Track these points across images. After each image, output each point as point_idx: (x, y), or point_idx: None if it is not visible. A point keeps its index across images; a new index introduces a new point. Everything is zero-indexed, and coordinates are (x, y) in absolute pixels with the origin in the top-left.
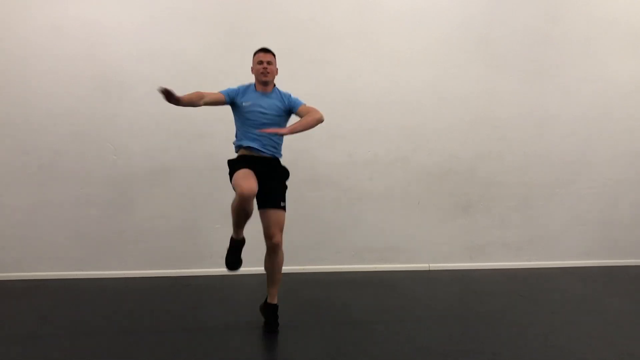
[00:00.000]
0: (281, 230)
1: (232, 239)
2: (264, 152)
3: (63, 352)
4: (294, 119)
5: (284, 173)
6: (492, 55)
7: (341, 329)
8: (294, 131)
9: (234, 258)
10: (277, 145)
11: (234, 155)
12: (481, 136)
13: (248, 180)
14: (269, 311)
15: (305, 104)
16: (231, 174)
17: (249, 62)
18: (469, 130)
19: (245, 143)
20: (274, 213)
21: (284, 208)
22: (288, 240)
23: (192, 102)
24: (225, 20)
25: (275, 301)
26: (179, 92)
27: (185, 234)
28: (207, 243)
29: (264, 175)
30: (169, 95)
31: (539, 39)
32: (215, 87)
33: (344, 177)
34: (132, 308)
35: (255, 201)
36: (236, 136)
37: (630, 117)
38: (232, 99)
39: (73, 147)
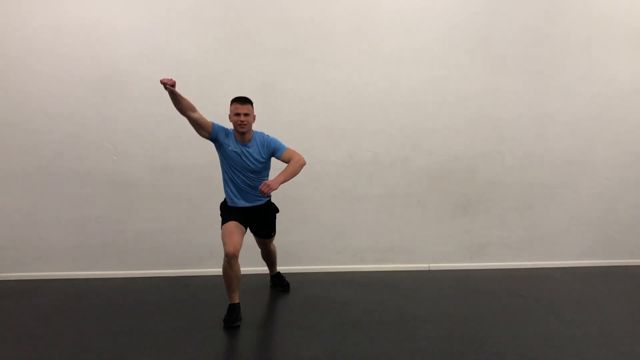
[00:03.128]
0: (272, 242)
1: (229, 305)
2: (252, 204)
3: (63, 352)
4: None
5: (273, 210)
6: (492, 55)
7: (341, 329)
8: (283, 182)
9: (230, 318)
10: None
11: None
12: (481, 136)
13: (232, 237)
14: (278, 278)
15: (287, 149)
16: (222, 218)
17: (249, 62)
18: (469, 130)
19: (233, 202)
20: (267, 241)
21: (274, 235)
22: (288, 240)
23: (183, 105)
24: (225, 20)
25: (276, 271)
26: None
27: (185, 234)
28: (206, 243)
29: (254, 217)
30: (171, 86)
31: (539, 39)
32: (215, 87)
33: (344, 177)
34: (132, 308)
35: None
36: (223, 180)
37: (630, 117)
38: (216, 135)
39: (73, 147)
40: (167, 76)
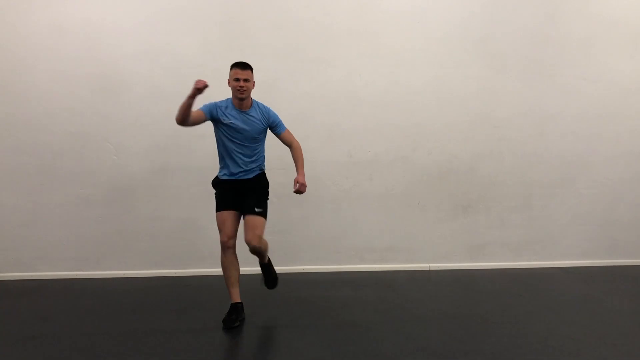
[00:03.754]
0: (259, 235)
1: (231, 305)
2: (245, 177)
3: (63, 352)
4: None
5: (264, 183)
6: (492, 55)
7: (341, 329)
8: (304, 174)
9: (229, 318)
10: (257, 165)
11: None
12: (481, 136)
13: (226, 226)
14: (265, 268)
15: (287, 129)
16: (216, 200)
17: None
18: (469, 130)
19: (227, 175)
20: (249, 219)
21: (259, 214)
22: (288, 240)
23: (188, 116)
24: (225, 20)
25: (267, 260)
26: (178, 93)
27: (185, 234)
28: (207, 243)
29: (245, 190)
30: (199, 91)
31: (539, 39)
32: (215, 87)
33: (344, 177)
34: (132, 308)
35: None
36: (220, 155)
37: (630, 117)
38: (212, 115)
39: (73, 147)
40: (166, 76)
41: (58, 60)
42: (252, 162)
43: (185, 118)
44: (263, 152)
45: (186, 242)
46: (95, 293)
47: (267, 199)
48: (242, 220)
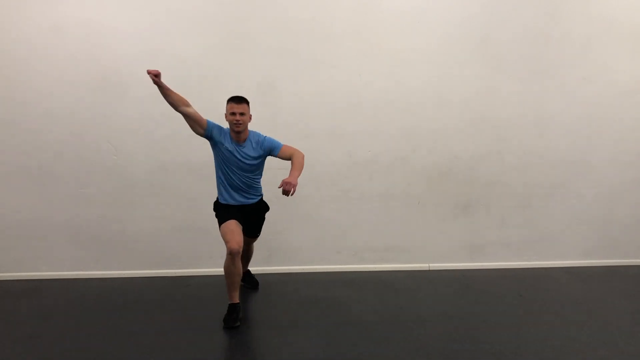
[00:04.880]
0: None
1: (229, 305)
2: (244, 203)
3: (63, 352)
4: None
5: (264, 209)
6: (492, 55)
7: (341, 329)
8: (299, 176)
9: (230, 318)
10: (257, 192)
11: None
12: (481, 136)
13: (234, 235)
14: (247, 276)
15: (283, 145)
16: (218, 217)
17: (249, 62)
18: (469, 130)
19: (226, 200)
20: (250, 239)
21: (258, 236)
22: (288, 240)
23: (173, 99)
24: (225, 21)
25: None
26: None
27: (185, 234)
28: (206, 243)
29: (247, 214)
30: (155, 76)
31: (539, 39)
32: (215, 87)
33: (344, 177)
34: (132, 308)
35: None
36: (217, 178)
37: (630, 117)
38: (211, 133)
39: (73, 147)
40: (166, 76)
41: (58, 60)
42: (252, 190)
43: (168, 100)
44: (260, 181)
45: (186, 242)
46: (95, 293)
47: (265, 213)
48: None
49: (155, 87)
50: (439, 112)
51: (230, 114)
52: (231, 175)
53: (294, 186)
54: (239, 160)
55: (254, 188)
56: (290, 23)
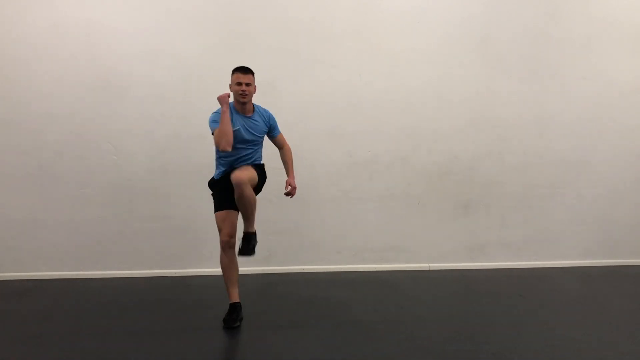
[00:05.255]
0: (246, 176)
1: (230, 305)
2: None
3: (63, 352)
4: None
5: (261, 169)
6: (492, 55)
7: (341, 329)
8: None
9: (230, 318)
10: (253, 157)
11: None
12: (481, 136)
13: (225, 226)
14: (247, 239)
15: (281, 133)
16: (214, 199)
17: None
18: (469, 130)
19: (223, 173)
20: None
21: (255, 167)
22: (288, 240)
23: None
24: (225, 21)
25: (253, 230)
26: (179, 93)
27: (185, 234)
28: (207, 243)
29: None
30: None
31: (539, 39)
32: (216, 87)
33: (344, 177)
34: (132, 308)
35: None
36: (217, 160)
37: (630, 117)
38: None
39: (73, 147)
40: (167, 76)
41: (58, 60)
42: (250, 155)
43: (232, 135)
44: (261, 156)
45: (186, 242)
46: (95, 293)
47: (264, 177)
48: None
49: (155, 87)
50: (439, 112)
51: (236, 84)
52: (234, 152)
53: (295, 189)
54: (247, 132)
55: (254, 159)
56: (290, 23)
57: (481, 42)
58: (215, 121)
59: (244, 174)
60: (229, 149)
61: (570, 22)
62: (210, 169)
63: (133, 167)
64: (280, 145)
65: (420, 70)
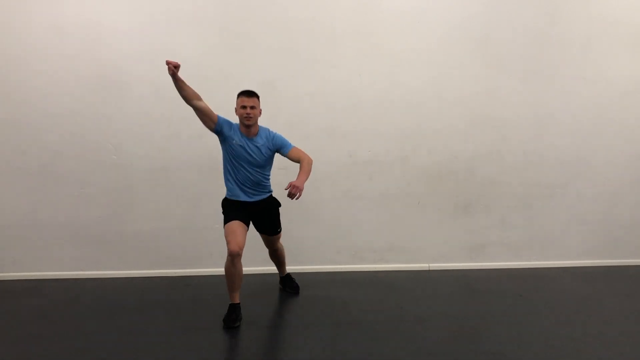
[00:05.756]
0: (278, 240)
1: (229, 305)
2: (254, 199)
3: (63, 352)
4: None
5: (276, 205)
6: (492, 55)
7: (341, 329)
8: (306, 181)
9: (230, 318)
10: (265, 188)
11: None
12: (481, 136)
13: (236, 236)
14: (287, 280)
15: (294, 147)
16: (224, 216)
17: (249, 62)
18: (469, 130)
19: (234, 196)
20: (273, 237)
21: (279, 232)
22: (289, 240)
23: (187, 92)
24: (225, 20)
25: (286, 272)
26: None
27: (185, 234)
28: (206, 243)
29: (257, 213)
30: (175, 67)
31: (539, 39)
32: (216, 87)
33: (344, 177)
34: (132, 308)
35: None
36: (225, 174)
37: (630, 117)
38: (221, 128)
39: (73, 147)
40: (166, 76)
41: (58, 60)
42: (260, 187)
43: (182, 94)
44: (269, 177)
45: (186, 242)
46: (95, 293)
47: (279, 205)
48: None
49: (155, 87)
50: (439, 112)
51: (240, 108)
52: (240, 170)
53: (300, 190)
54: (249, 154)
55: (263, 184)
56: (290, 23)
57: (481, 42)
58: (223, 117)
59: (278, 245)
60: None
61: (570, 22)
62: (210, 169)
63: (133, 167)
64: (297, 159)
65: (421, 70)
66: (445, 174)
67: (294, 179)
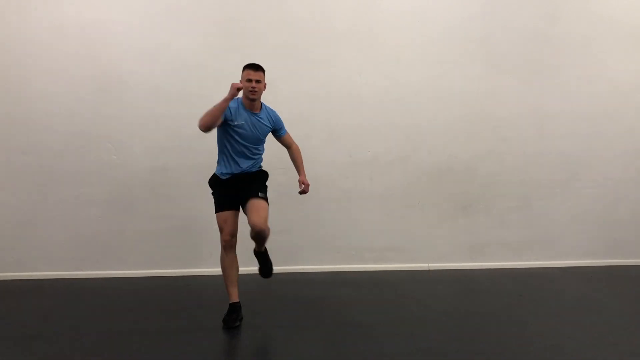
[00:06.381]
0: (264, 217)
1: (229, 305)
2: (243, 169)
3: (63, 352)
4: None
5: (263, 175)
6: (492, 55)
7: (341, 329)
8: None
9: (230, 318)
10: (257, 163)
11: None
12: (481, 136)
13: (227, 226)
14: (262, 257)
15: (287, 133)
16: (214, 199)
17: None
18: (469, 130)
19: (225, 174)
20: (253, 202)
21: (262, 198)
22: (288, 240)
23: (219, 119)
24: (225, 20)
25: (263, 249)
26: (179, 93)
27: (185, 234)
28: (207, 243)
29: (244, 184)
30: (237, 91)
31: (539, 39)
32: (216, 87)
33: (344, 177)
34: (132, 308)
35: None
36: (220, 153)
37: (630, 117)
38: (225, 116)
39: (73, 147)
40: (167, 76)
41: (58, 60)
42: (254, 162)
43: (216, 123)
44: (262, 152)
45: (186, 242)
46: (95, 293)
47: (267, 189)
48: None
49: (155, 87)
50: (439, 111)
51: (246, 81)
52: (237, 149)
53: (309, 186)
54: (251, 130)
55: (256, 161)
56: (291, 23)
57: (481, 42)
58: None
59: (262, 220)
60: (204, 130)
61: (570, 22)
62: (210, 169)
63: (133, 167)
64: (288, 145)
65: (420, 70)
66: (445, 174)
67: (294, 178)
